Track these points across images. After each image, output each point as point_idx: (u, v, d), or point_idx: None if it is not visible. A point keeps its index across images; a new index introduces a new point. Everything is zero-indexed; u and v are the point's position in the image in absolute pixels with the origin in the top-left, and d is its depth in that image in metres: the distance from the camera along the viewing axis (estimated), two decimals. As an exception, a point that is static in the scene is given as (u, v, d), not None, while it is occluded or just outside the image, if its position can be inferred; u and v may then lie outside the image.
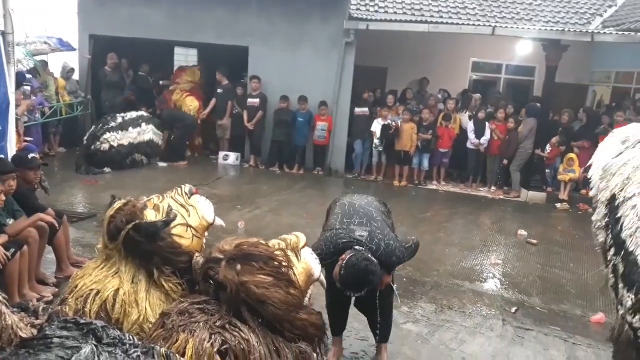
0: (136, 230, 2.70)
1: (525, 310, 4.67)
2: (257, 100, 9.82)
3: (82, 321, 1.70)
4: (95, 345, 1.58)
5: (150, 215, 2.85)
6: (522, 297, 4.96)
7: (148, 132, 9.32)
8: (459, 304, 4.67)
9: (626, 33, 8.81)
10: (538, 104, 9.65)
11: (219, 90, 10.30)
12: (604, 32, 8.97)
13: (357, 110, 9.92)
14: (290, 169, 9.96)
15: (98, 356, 1.52)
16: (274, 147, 9.97)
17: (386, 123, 9.42)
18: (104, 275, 2.58)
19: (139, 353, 1.73)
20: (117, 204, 2.76)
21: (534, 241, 6.64)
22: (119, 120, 9.06)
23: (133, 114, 9.32)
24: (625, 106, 9.74)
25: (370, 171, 10.03)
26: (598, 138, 9.64)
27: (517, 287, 5.20)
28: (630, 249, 2.65)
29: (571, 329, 4.37)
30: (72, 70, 10.73)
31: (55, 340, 1.57)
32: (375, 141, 9.59)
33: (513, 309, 4.64)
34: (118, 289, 2.53)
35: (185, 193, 3.29)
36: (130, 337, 1.82)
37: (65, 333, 1.61)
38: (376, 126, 9.54)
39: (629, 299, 2.55)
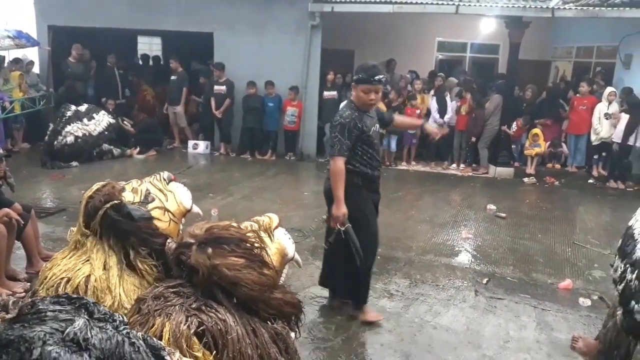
0: (115, 210, 2.69)
1: (496, 280, 4.81)
2: (223, 87, 9.74)
3: (74, 296, 1.73)
4: (87, 320, 1.61)
5: (128, 197, 2.85)
6: (493, 268, 5.10)
7: (103, 119, 9.12)
8: (432, 278, 4.78)
9: (585, 8, 9.00)
10: (502, 81, 9.84)
11: (172, 78, 10.20)
12: (564, 8, 9.13)
13: (326, 94, 9.93)
14: (262, 156, 9.93)
15: (90, 330, 1.55)
16: (245, 134, 9.92)
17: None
18: (73, 264, 2.57)
19: (128, 330, 1.77)
20: (96, 186, 2.75)
21: (503, 215, 6.81)
22: (73, 109, 8.86)
23: (83, 107, 9.07)
24: (587, 78, 10.00)
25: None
26: (560, 113, 9.96)
27: (488, 259, 5.34)
28: None
29: (540, 296, 4.51)
30: (32, 63, 10.42)
31: (49, 313, 1.61)
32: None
33: (485, 280, 4.77)
34: (89, 275, 2.52)
35: (164, 179, 3.29)
36: (121, 315, 1.84)
37: (58, 307, 1.64)
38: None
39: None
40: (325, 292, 4.23)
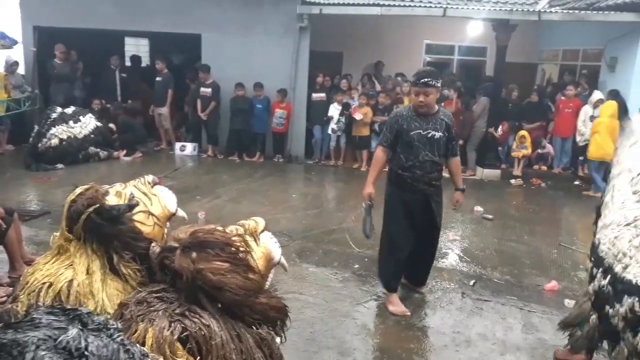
0: (98, 213, 2.66)
1: (483, 282, 4.83)
2: (209, 90, 9.69)
3: (68, 307, 1.74)
4: (81, 329, 1.61)
5: (112, 201, 2.82)
6: (480, 270, 5.12)
7: (90, 122, 9.04)
8: (419, 280, 4.78)
9: (571, 12, 9.10)
10: (490, 83, 9.91)
11: (158, 79, 10.15)
12: (550, 11, 9.22)
13: (315, 95, 9.94)
14: (250, 158, 9.90)
15: (85, 339, 1.55)
16: (233, 136, 9.88)
17: (345, 102, 9.52)
18: (56, 269, 2.53)
19: (122, 337, 1.77)
20: (79, 189, 2.72)
21: (490, 217, 6.85)
22: (59, 110, 8.78)
23: (70, 109, 8.99)
24: (571, 80, 10.11)
25: (330, 156, 10.08)
26: (548, 116, 10.05)
27: (475, 261, 5.36)
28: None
29: (527, 298, 4.54)
30: (16, 63, 10.27)
31: (44, 321, 1.60)
32: (333, 126, 9.64)
33: (472, 282, 4.78)
34: (72, 280, 2.48)
35: (149, 182, 3.26)
36: (114, 322, 1.84)
37: (52, 317, 1.64)
38: (333, 111, 9.57)
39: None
40: (312, 296, 4.23)
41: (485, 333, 3.88)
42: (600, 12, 8.90)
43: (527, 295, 4.60)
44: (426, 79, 3.78)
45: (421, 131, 3.88)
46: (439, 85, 3.92)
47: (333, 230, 6.06)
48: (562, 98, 9.74)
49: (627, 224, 2.54)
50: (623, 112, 6.94)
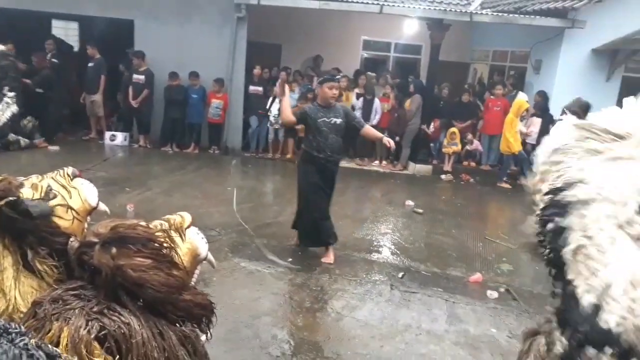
0: (11, 207, 2.50)
1: (411, 274, 4.97)
2: (142, 77, 9.38)
3: None
4: None
5: (27, 194, 2.65)
6: (408, 262, 5.27)
7: (7, 110, 8.48)
8: (351, 272, 4.87)
9: (500, 14, 9.50)
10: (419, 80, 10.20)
11: (90, 65, 9.71)
12: (481, 13, 9.58)
13: (252, 88, 9.84)
14: (185, 149, 9.67)
15: None
16: (167, 126, 9.61)
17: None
18: (-39, 268, 2.36)
19: (25, 341, 1.66)
20: (-10, 182, 2.53)
21: (420, 210, 7.05)
22: None
23: None
24: (499, 80, 10.56)
25: (268, 149, 10.02)
26: (478, 114, 10.44)
27: (404, 253, 5.51)
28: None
29: (452, 290, 4.72)
30: None
31: None
32: (272, 119, 9.58)
33: (400, 274, 4.92)
34: (-21, 278, 2.33)
35: (68, 175, 3.08)
36: (16, 325, 1.72)
37: None
38: (272, 104, 9.52)
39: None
40: (241, 290, 4.20)
41: (411, 324, 4.00)
42: (527, 16, 9.35)
43: (453, 287, 4.79)
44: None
45: (325, 119, 4.89)
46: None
47: (268, 224, 6.04)
48: (491, 97, 10.15)
49: None
50: (585, 112, 7.00)
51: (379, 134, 5.45)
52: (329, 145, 4.87)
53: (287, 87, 5.18)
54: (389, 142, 5.24)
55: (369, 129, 5.34)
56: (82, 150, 9.11)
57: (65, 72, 10.17)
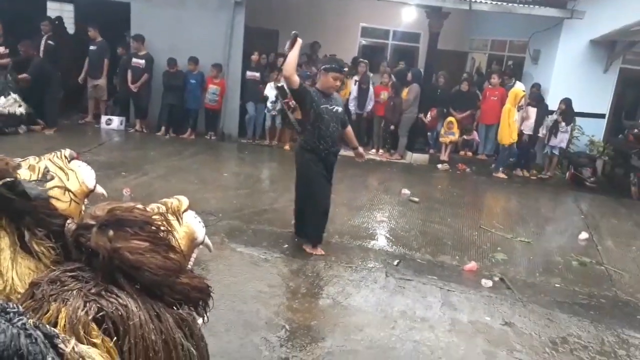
0: (8, 188, 2.49)
1: (406, 262, 5.00)
2: (142, 61, 9.29)
3: None
4: None
5: (24, 175, 2.64)
6: (404, 250, 5.30)
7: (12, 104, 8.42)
8: (346, 259, 4.89)
9: (499, 3, 9.45)
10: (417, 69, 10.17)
11: (92, 48, 9.59)
12: (480, 2, 9.53)
13: (249, 74, 9.78)
14: (182, 134, 9.63)
15: None
16: (164, 111, 9.55)
17: (281, 85, 9.39)
18: (-42, 248, 2.36)
19: (23, 321, 1.66)
20: (-14, 163, 2.52)
21: (416, 199, 7.07)
22: None
23: None
24: (497, 69, 10.54)
25: (264, 136, 9.99)
26: (477, 104, 10.44)
27: (400, 241, 5.53)
28: None
29: (447, 278, 4.75)
30: None
31: None
32: (269, 105, 9.54)
33: (395, 262, 4.95)
34: (-24, 259, 2.33)
35: (65, 157, 3.07)
36: (14, 305, 1.72)
37: None
38: (269, 90, 9.47)
39: None
40: (237, 275, 4.21)
41: (406, 311, 4.03)
42: (526, 5, 9.31)
43: (447, 275, 4.82)
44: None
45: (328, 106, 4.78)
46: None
47: (264, 210, 6.05)
48: (489, 86, 10.13)
49: None
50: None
51: (355, 142, 5.31)
52: (330, 134, 4.71)
53: (299, 41, 4.86)
54: (361, 155, 5.37)
55: (350, 132, 5.20)
56: (77, 134, 9.05)
57: (61, 54, 10.05)
